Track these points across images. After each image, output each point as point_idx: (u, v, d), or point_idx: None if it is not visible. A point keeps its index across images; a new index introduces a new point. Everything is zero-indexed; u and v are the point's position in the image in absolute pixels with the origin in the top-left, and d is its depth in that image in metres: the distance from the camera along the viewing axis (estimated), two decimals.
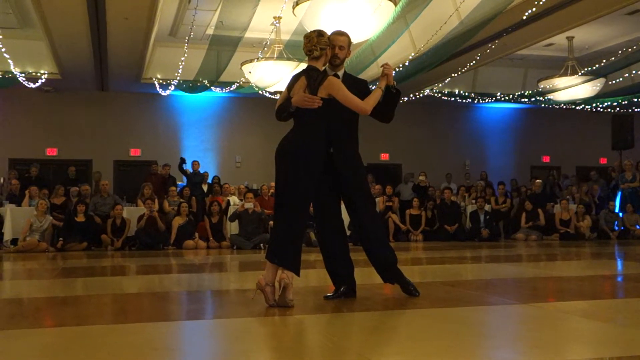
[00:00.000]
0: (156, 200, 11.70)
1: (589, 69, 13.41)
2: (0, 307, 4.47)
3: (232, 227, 11.67)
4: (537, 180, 14.80)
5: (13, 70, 12.90)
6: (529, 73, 16.31)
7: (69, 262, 8.41)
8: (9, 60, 12.26)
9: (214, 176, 14.57)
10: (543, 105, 17.06)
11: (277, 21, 11.42)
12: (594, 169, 16.72)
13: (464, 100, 16.92)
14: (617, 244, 11.83)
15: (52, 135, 16.07)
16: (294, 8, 9.59)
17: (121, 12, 10.39)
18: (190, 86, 14.50)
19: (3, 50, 11.71)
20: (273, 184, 11.66)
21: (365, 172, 4.58)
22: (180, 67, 12.83)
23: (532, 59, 15.29)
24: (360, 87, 4.32)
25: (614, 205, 14.03)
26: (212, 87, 14.47)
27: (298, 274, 3.99)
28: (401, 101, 15.43)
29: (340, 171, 4.27)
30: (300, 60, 11.44)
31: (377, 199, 13.26)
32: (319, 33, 4.17)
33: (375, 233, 4.40)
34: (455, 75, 14.09)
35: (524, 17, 10.34)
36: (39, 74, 13.97)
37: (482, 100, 17.00)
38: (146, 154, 16.44)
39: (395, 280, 4.40)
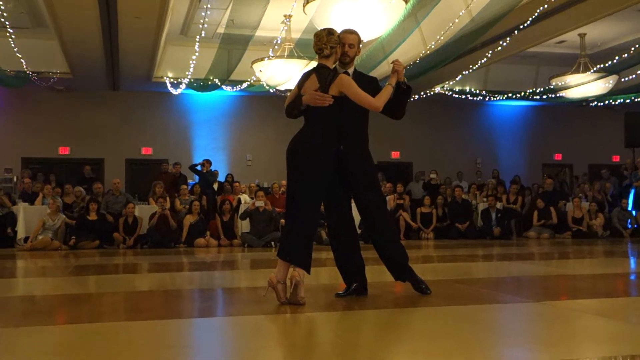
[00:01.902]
0: (167, 199, 11.76)
1: (601, 66, 13.31)
2: (14, 304, 4.51)
3: (243, 226, 11.70)
4: (549, 179, 14.73)
5: (25, 70, 12.99)
6: (540, 70, 16.23)
7: (82, 260, 8.46)
8: (21, 60, 12.34)
9: (228, 174, 14.61)
10: (555, 102, 16.96)
11: (287, 19, 11.43)
12: (606, 167, 16.61)
13: (475, 98, 16.85)
14: (630, 242, 11.74)
15: (64, 134, 16.16)
16: (304, 6, 9.59)
17: (132, 12, 10.43)
18: (201, 85, 14.54)
19: (15, 50, 11.79)
20: (284, 182, 11.65)
21: (375, 170, 4.58)
22: (191, 65, 12.85)
23: (544, 56, 15.21)
24: (370, 85, 4.31)
25: (627, 203, 13.93)
26: (223, 86, 14.50)
27: (309, 272, 3.99)
28: (412, 99, 15.42)
29: (351, 169, 4.26)
30: (310, 59, 11.44)
31: (387, 197, 13.21)
32: (329, 31, 4.18)
33: (386, 231, 4.39)
34: (467, 72, 14.03)
35: (536, 14, 10.28)
36: (51, 74, 14.04)
37: (494, 97, 16.92)
38: (158, 152, 16.51)
39: (406, 278, 4.40)
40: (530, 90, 15.90)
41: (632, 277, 6.19)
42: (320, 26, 8.23)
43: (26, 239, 10.90)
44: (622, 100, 16.43)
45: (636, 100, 16.30)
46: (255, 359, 2.75)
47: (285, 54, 11.96)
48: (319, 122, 4.10)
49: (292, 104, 4.21)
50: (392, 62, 4.34)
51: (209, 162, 14.01)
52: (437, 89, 15.98)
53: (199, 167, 13.89)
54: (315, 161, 4.03)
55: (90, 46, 12.27)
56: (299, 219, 4.04)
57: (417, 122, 17.04)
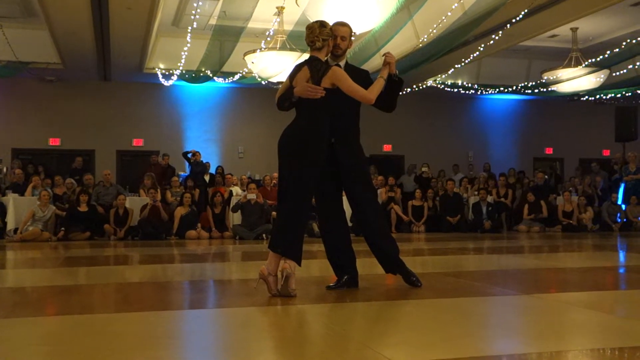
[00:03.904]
0: (159, 190, 11.73)
1: (593, 60, 13.36)
2: (3, 295, 4.50)
3: (235, 218, 11.69)
4: (540, 173, 14.80)
5: (16, 60, 12.89)
6: (532, 64, 16.26)
7: (72, 252, 8.44)
8: (12, 50, 12.25)
9: (217, 166, 14.60)
10: (546, 96, 17.01)
11: (280, 11, 11.39)
12: (597, 161, 16.70)
13: (467, 92, 16.87)
14: (619, 236, 11.82)
15: (54, 125, 16.07)
16: None
17: (124, 2, 10.37)
18: (193, 76, 14.49)
19: (6, 39, 11.70)
20: (276, 174, 11.66)
21: (367, 163, 4.58)
22: (183, 57, 12.80)
23: (536, 50, 15.24)
24: (361, 77, 4.30)
25: (617, 197, 14.01)
26: (215, 78, 14.45)
27: (300, 264, 3.99)
28: (404, 92, 15.43)
29: (342, 162, 4.26)
30: (303, 51, 11.42)
31: (379, 190, 13.25)
32: (321, 24, 4.17)
33: (377, 224, 4.40)
34: (459, 66, 14.05)
35: (528, 9, 10.29)
36: (41, 64, 13.95)
37: (486, 91, 16.95)
38: (149, 144, 16.46)
39: (397, 271, 4.41)
40: (522, 84, 15.94)
41: (621, 271, 6.23)
42: (312, 18, 8.21)
43: (16, 230, 10.85)
44: (613, 94, 16.50)
45: (627, 94, 16.37)
46: (246, 350, 2.75)
47: (278, 46, 11.92)
48: (311, 114, 4.09)
49: (284, 95, 4.20)
50: (384, 55, 4.34)
51: (198, 153, 14.03)
52: (430, 82, 15.99)
53: (189, 155, 13.92)
54: (307, 153, 4.02)
55: (81, 37, 12.20)
56: (290, 211, 4.03)
57: (409, 115, 17.06)
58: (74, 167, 14.13)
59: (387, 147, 18.10)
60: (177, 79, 14.74)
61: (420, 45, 11.97)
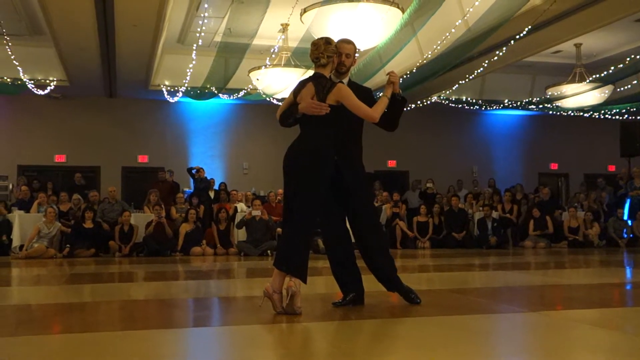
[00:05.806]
0: (163, 207, 11.74)
1: (597, 76, 13.36)
2: (8, 313, 4.49)
3: (240, 234, 11.68)
4: (545, 189, 14.76)
5: (22, 77, 12.98)
6: (536, 80, 16.28)
7: (77, 269, 8.43)
8: (18, 68, 12.34)
9: (221, 182, 14.62)
10: (551, 112, 17.01)
11: (284, 28, 11.45)
12: (602, 177, 16.65)
13: (472, 108, 16.89)
14: (626, 252, 11.76)
15: (60, 141, 16.14)
16: (301, 15, 9.62)
17: (130, 20, 10.45)
18: (198, 93, 14.55)
19: (13, 57, 11.79)
20: (280, 190, 11.67)
21: (368, 180, 4.57)
22: (188, 74, 12.86)
23: (540, 66, 15.26)
24: (364, 95, 4.31)
25: (623, 213, 13.95)
26: (220, 94, 14.51)
27: (305, 281, 3.98)
28: (409, 108, 15.44)
29: (344, 179, 4.26)
30: (308, 68, 11.46)
31: (383, 206, 13.24)
32: (327, 41, 4.19)
33: (375, 242, 4.38)
34: (463, 82, 14.07)
35: (532, 25, 10.32)
36: (48, 81, 14.05)
37: (490, 107, 16.97)
38: (154, 160, 16.49)
39: (394, 289, 4.38)
40: (526, 100, 15.95)
41: (628, 287, 6.19)
42: (317, 35, 8.26)
43: (21, 247, 10.85)
44: (617, 110, 16.49)
45: (632, 110, 16.36)
46: None
47: (282, 63, 11.98)
48: (315, 131, 4.10)
49: (287, 112, 4.21)
50: (388, 74, 4.35)
51: (202, 169, 14.06)
52: (434, 98, 16.02)
53: (193, 171, 13.97)
54: (312, 170, 4.02)
55: (88, 54, 12.28)
56: (295, 229, 4.03)
57: (414, 131, 17.06)
58: (76, 183, 14.12)
59: (391, 163, 18.10)
60: (183, 96, 14.81)
61: (425, 61, 12.00)
